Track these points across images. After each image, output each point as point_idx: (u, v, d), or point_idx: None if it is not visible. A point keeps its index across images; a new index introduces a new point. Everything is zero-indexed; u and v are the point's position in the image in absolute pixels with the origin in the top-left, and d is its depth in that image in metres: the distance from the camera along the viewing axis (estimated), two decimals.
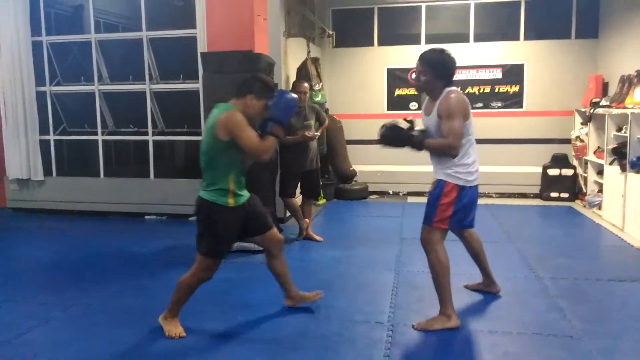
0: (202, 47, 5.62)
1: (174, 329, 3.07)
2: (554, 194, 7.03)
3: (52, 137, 6.69)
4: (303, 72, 6.50)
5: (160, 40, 6.25)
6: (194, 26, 5.84)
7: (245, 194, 3.09)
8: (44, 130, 6.65)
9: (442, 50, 3.11)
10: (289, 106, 3.00)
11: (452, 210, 3.05)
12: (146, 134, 6.37)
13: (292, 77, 6.21)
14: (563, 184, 7.07)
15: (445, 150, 2.99)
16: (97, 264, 4.59)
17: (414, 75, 7.74)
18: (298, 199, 5.34)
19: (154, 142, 6.37)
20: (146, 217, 6.32)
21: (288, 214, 5.73)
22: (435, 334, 3.06)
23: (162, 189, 6.31)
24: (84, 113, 6.58)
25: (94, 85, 6.43)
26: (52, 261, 4.74)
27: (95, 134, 6.53)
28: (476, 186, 3.12)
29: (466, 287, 3.72)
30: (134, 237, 5.50)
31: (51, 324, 3.28)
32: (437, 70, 3.06)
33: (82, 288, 3.90)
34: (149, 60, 6.23)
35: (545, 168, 7.17)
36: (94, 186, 6.54)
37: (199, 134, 5.79)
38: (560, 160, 7.14)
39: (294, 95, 3.07)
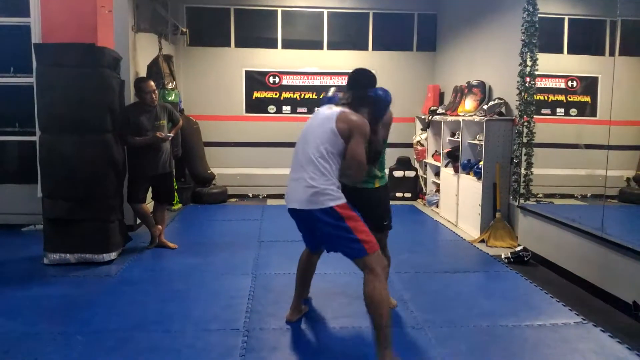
0: (36, 38, 5.05)
1: None
2: (399, 194, 7.62)
3: None
4: (154, 70, 6.17)
5: None
6: (27, 14, 5.24)
7: None
8: None
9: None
10: None
11: None
12: None
13: (142, 74, 5.87)
14: (406, 185, 7.69)
15: None
16: None
17: (271, 79, 7.84)
18: (150, 204, 5.06)
19: None
20: None
21: (138, 221, 5.39)
22: (290, 336, 3.11)
23: None
24: None
25: None
26: None
27: None
28: (293, 211, 2.85)
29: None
30: None
31: None
32: None
33: None
34: None
35: (391, 170, 7.73)
36: None
37: (33, 133, 5.21)
38: (404, 163, 7.75)
39: None
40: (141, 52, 5.97)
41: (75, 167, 4.24)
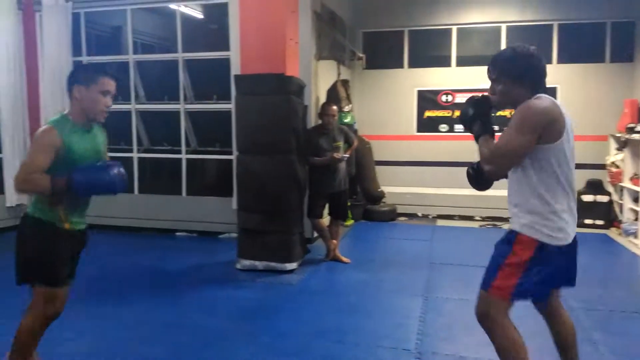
0: (235, 69, 5.75)
1: None
2: (588, 221, 6.85)
3: None
4: (333, 94, 6.57)
5: (195, 61, 6.45)
6: (227, 48, 6.01)
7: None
8: None
9: (520, 47, 2.25)
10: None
11: (519, 278, 2.16)
12: (180, 152, 6.52)
13: (322, 99, 6.29)
14: (598, 211, 6.89)
15: (482, 162, 2.26)
16: (129, 279, 4.68)
17: (444, 98, 7.75)
18: (326, 219, 5.37)
19: (187, 160, 6.52)
20: (177, 233, 6.43)
21: (316, 234, 5.75)
22: None
23: (193, 207, 6.43)
24: (120, 131, 6.79)
25: (130, 104, 6.63)
26: (84, 275, 4.84)
27: (131, 151, 6.72)
28: (568, 246, 2.21)
29: None
30: (166, 253, 5.60)
31: (85, 337, 3.35)
32: (515, 73, 2.22)
33: (114, 302, 3.99)
34: (184, 80, 6.42)
35: (579, 194, 7.02)
36: (129, 202, 6.68)
37: (230, 153, 5.92)
38: (594, 186, 6.98)
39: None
40: (322, 78, 6.40)
41: (265, 184, 4.72)
